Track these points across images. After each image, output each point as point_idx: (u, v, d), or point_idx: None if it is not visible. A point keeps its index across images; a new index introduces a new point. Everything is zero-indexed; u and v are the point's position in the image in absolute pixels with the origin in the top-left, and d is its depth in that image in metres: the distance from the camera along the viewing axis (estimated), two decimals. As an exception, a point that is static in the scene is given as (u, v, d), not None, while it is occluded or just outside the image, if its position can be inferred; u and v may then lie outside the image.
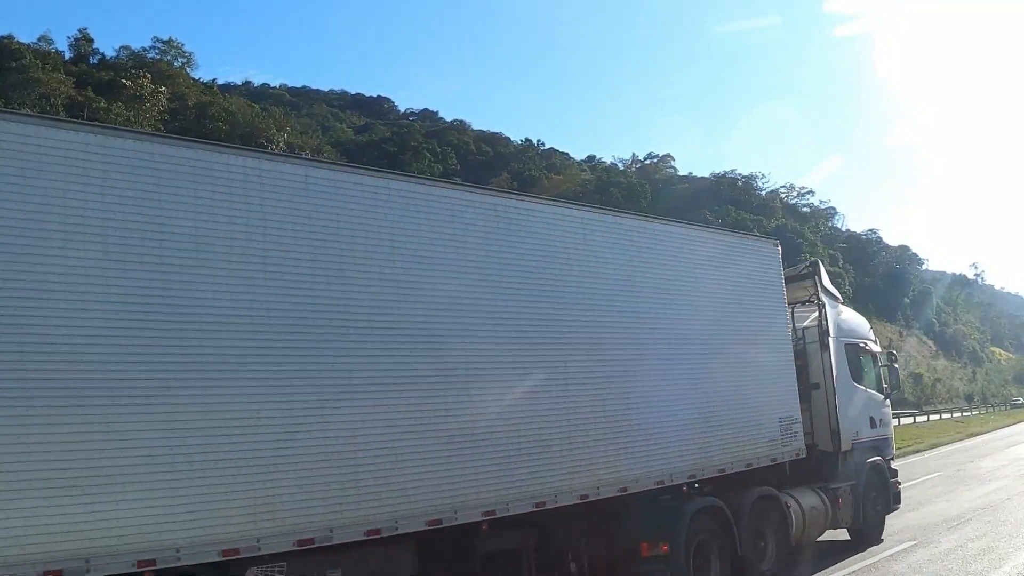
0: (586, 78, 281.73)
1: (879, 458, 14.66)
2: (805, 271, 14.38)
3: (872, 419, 14.61)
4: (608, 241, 10.19)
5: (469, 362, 8.48)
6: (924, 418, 69.60)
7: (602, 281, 9.95)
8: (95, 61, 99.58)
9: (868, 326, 15.92)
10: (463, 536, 8.36)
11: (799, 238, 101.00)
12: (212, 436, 6.68)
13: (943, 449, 38.42)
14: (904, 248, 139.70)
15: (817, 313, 13.79)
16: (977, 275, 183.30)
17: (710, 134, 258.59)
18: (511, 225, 9.10)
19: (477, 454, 8.32)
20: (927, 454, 35.70)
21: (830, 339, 13.65)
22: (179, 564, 6.34)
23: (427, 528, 7.84)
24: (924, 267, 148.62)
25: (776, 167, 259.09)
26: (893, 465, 15.36)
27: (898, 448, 17.70)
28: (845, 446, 13.60)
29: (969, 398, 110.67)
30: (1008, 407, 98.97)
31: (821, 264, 14.65)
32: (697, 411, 10.91)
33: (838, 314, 14.36)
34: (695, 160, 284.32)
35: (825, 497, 13.16)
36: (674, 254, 11.11)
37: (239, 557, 6.68)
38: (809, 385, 13.41)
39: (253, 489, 6.80)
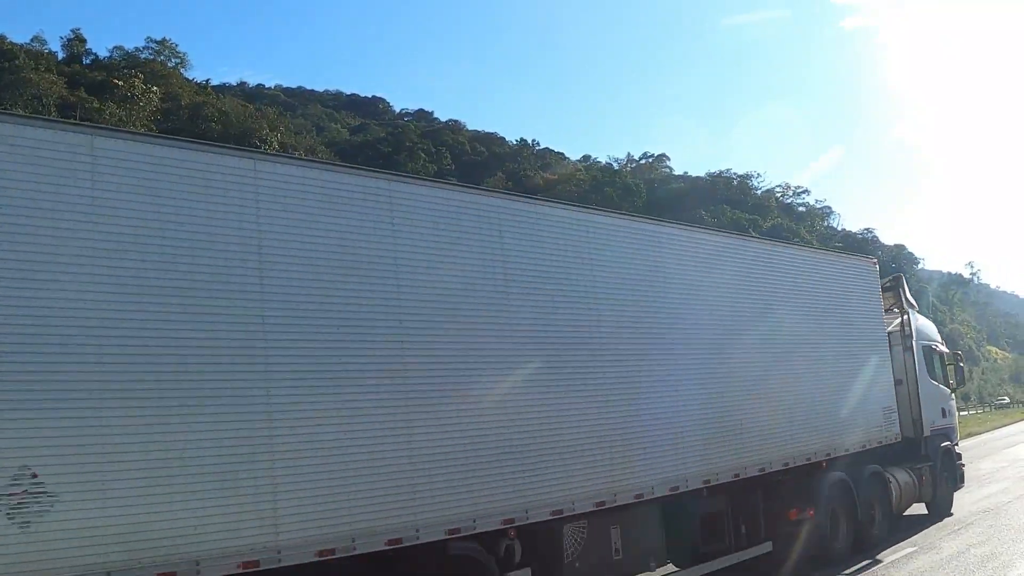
0: (585, 78, 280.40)
1: (949, 443, 17.18)
2: (889, 284, 16.74)
3: (943, 410, 17.03)
4: (762, 264, 12.75)
5: (700, 375, 11.07)
6: (921, 417, 69.09)
7: (751, 300, 12.18)
8: (88, 61, 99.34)
9: (936, 330, 18.44)
10: (689, 500, 10.78)
11: (795, 237, 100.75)
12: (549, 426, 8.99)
13: (941, 449, 38.00)
14: (900, 247, 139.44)
15: (900, 320, 16.28)
16: (973, 274, 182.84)
17: (711, 133, 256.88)
18: (680, 252, 11.21)
19: (698, 439, 10.80)
20: (924, 454, 35.28)
21: (913, 342, 16.19)
22: (529, 522, 8.58)
23: (669, 493, 10.28)
24: (920, 266, 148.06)
25: (777, 166, 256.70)
26: (957, 449, 17.74)
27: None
28: (925, 432, 16.08)
29: (966, 397, 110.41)
30: (993, 407, 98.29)
31: (904, 278, 17.14)
32: (830, 403, 13.44)
33: (915, 320, 16.78)
34: (696, 160, 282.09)
35: (914, 475, 15.63)
36: (802, 274, 13.56)
37: (562, 516, 8.97)
38: (894, 381, 15.61)
39: (576, 467, 9.15)
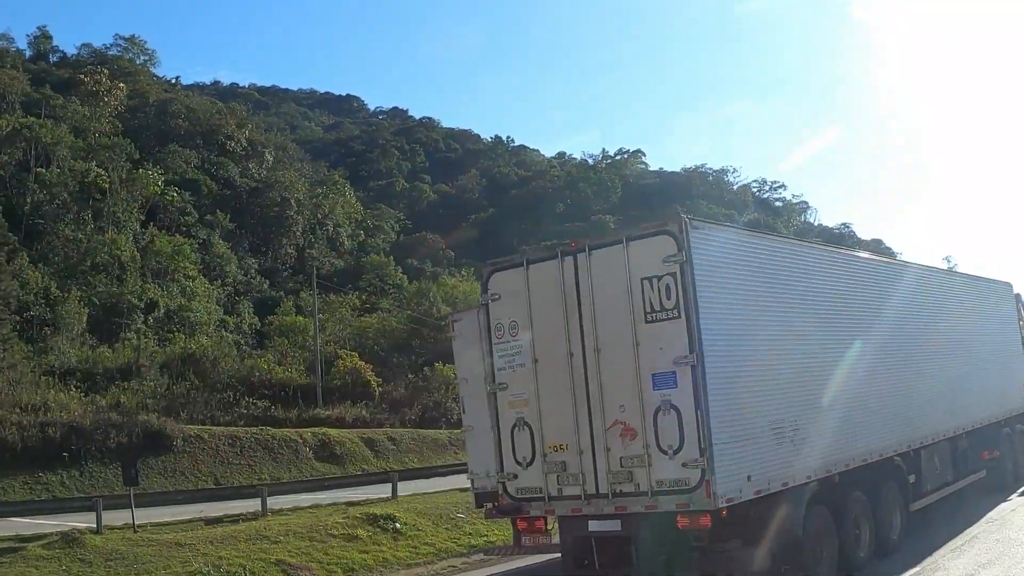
0: (565, 74, 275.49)
1: None
2: None
3: None
4: (967, 293, 19.47)
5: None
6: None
7: (951, 319, 17.83)
8: (55, 59, 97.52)
9: None
10: (954, 441, 17.10)
11: (773, 232, 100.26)
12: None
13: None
14: (877, 241, 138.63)
15: (1019, 323, 22.55)
16: (951, 268, 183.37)
17: (697, 127, 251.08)
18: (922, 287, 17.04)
19: (954, 404, 16.97)
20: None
21: None
22: (917, 447, 14.95)
23: (953, 434, 16.93)
24: (898, 259, 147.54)
25: (768, 160, 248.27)
26: None
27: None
28: None
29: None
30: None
31: (1021, 295, 23.67)
32: (999, 383, 19.78)
33: None
34: (688, 155, 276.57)
35: None
36: (968, 295, 19.57)
37: (923, 445, 15.20)
38: None
39: (929, 417, 15.56)
